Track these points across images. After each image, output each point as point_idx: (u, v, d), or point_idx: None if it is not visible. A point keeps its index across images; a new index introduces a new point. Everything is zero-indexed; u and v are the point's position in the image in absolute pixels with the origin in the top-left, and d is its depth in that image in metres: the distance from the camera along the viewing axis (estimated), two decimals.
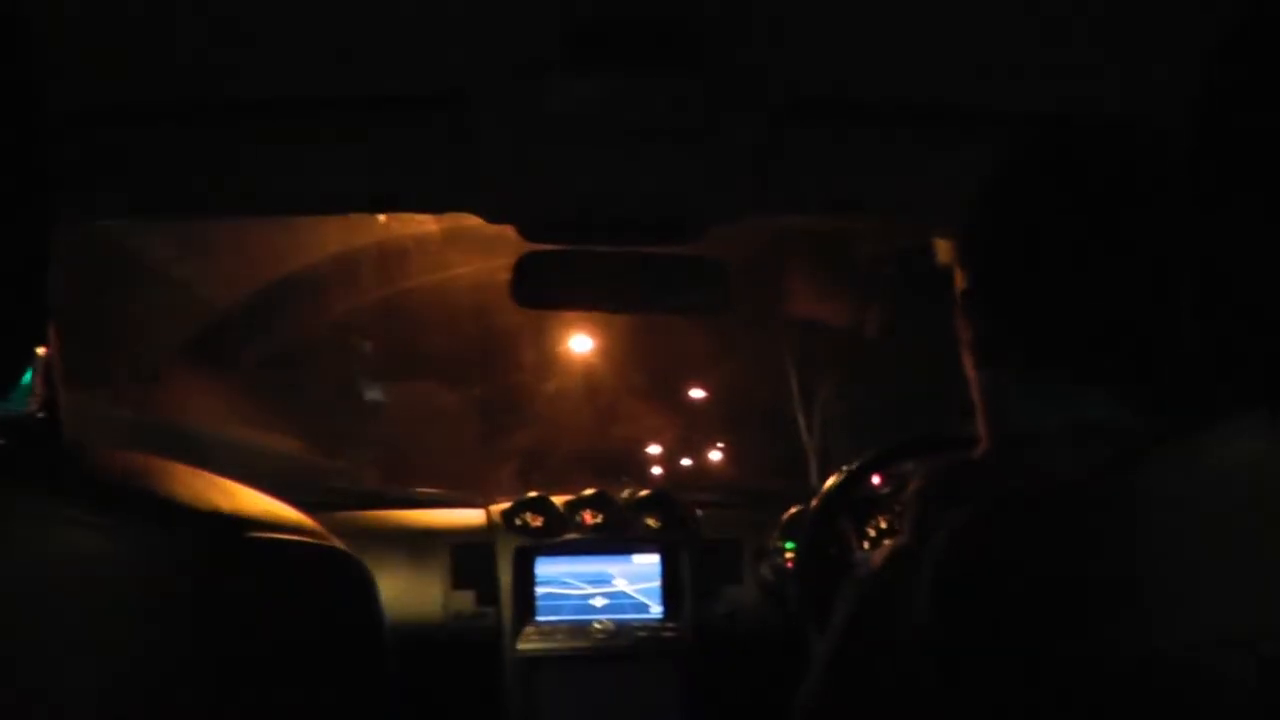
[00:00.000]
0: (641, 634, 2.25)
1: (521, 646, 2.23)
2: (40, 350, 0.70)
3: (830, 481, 2.03)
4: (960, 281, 0.95)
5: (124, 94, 1.20)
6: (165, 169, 1.36)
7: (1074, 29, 1.09)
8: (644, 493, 2.44)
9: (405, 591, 2.20)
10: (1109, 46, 1.12)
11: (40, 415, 1.02)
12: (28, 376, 1.02)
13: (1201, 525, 0.57)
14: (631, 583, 2.29)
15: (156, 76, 1.16)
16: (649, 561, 2.30)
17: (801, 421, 3.19)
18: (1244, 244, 0.56)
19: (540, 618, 2.25)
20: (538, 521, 2.34)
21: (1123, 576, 0.59)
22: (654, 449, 5.72)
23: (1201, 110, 0.58)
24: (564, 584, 2.27)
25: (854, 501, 2.08)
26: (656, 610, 2.27)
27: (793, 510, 2.21)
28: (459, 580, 2.26)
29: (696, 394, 5.49)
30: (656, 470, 5.73)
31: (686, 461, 5.80)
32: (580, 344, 4.52)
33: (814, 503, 2.03)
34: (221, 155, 1.34)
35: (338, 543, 0.66)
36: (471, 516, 2.39)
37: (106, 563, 0.54)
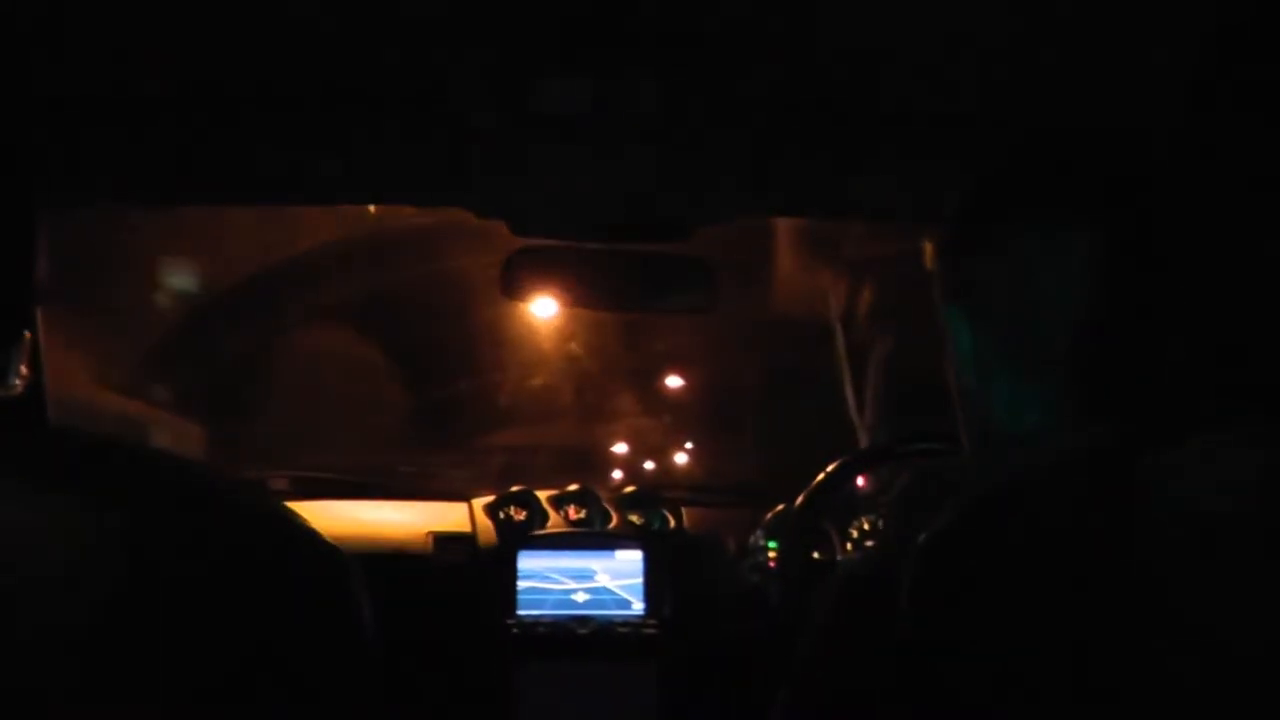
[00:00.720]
0: (623, 630, 2.25)
1: (503, 641, 2.22)
2: (26, 334, 0.70)
3: (814, 482, 2.04)
4: (944, 285, 0.95)
5: (116, 83, 1.19)
6: (152, 158, 1.36)
7: (1062, 37, 1.09)
8: (628, 489, 2.44)
9: (385, 583, 2.19)
10: (1098, 53, 1.13)
11: (22, 398, 1.02)
12: None
13: (1196, 532, 0.57)
14: (614, 579, 2.29)
15: (148, 66, 1.16)
16: (632, 558, 2.30)
17: (850, 395, 2.91)
18: (1235, 249, 0.56)
19: (522, 612, 2.24)
20: (520, 515, 2.34)
21: (1109, 581, 0.59)
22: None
23: (1190, 114, 0.58)
24: (546, 579, 2.27)
25: (837, 502, 2.08)
26: (639, 607, 2.27)
27: (777, 509, 2.21)
28: (440, 573, 2.26)
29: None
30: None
31: (673, 458, 5.80)
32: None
33: (797, 503, 2.04)
34: (211, 145, 1.33)
35: (320, 533, 0.66)
36: (454, 509, 2.38)
37: (86, 549, 0.54)
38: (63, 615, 0.53)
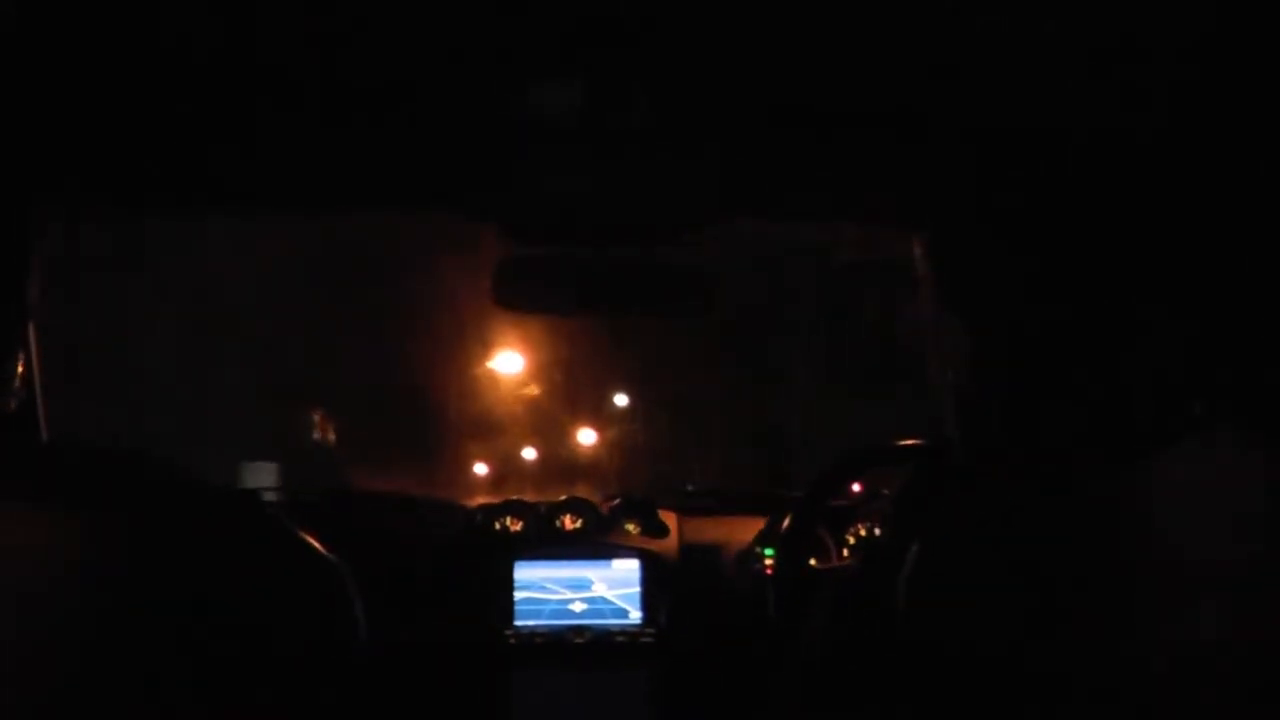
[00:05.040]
0: (620, 639, 2.25)
1: (500, 651, 2.22)
2: (20, 350, 0.69)
3: (809, 489, 2.03)
4: (936, 289, 0.95)
5: (101, 95, 1.19)
6: (142, 168, 1.35)
7: (1049, 43, 1.09)
8: (624, 498, 2.44)
9: (382, 593, 2.19)
10: (1084, 59, 1.13)
11: (15, 410, 1.02)
12: None
13: (1176, 535, 0.58)
14: (611, 588, 2.28)
15: (134, 71, 1.15)
16: (628, 567, 2.30)
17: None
18: (1215, 257, 0.57)
19: (519, 622, 2.24)
20: (517, 525, 2.34)
21: (1095, 583, 0.60)
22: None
23: (1176, 122, 0.59)
24: (543, 589, 2.27)
25: (832, 509, 2.08)
26: (636, 616, 2.27)
27: (773, 517, 2.21)
28: (437, 583, 2.25)
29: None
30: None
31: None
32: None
33: (793, 510, 2.03)
34: (199, 154, 1.33)
35: (316, 544, 0.66)
36: (450, 519, 2.38)
37: (87, 561, 0.54)
38: (67, 622, 0.53)
